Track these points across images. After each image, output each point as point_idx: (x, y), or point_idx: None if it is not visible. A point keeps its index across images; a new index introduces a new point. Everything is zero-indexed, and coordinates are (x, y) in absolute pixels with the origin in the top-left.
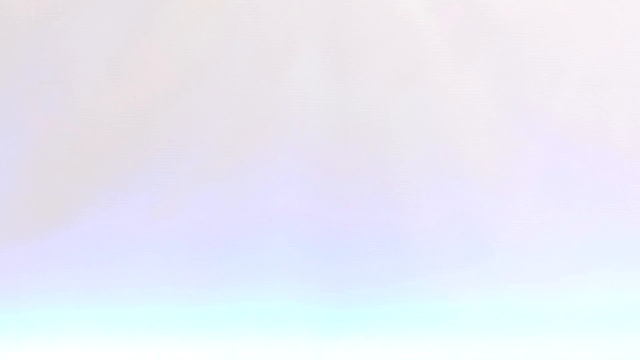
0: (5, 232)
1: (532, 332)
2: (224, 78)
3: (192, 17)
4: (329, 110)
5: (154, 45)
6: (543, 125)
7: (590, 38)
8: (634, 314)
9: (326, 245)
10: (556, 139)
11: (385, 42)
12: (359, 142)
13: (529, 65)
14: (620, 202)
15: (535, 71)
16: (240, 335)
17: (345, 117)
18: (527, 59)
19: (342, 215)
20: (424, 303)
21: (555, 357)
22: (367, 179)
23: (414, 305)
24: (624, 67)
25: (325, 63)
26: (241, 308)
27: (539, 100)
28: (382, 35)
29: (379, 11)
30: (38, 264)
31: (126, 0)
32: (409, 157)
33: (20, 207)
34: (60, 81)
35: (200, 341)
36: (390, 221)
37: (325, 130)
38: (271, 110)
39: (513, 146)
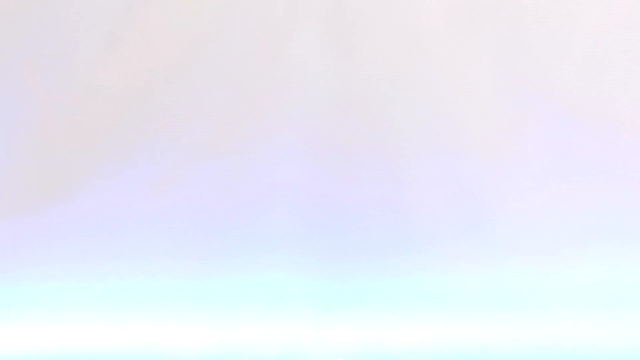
0: (6, 205)
1: (530, 306)
2: (224, 52)
3: None
4: (330, 86)
5: (154, 19)
6: (544, 102)
7: (591, 14)
8: (633, 289)
9: (326, 219)
10: (557, 115)
11: (386, 17)
12: (359, 117)
13: (530, 42)
14: (620, 178)
15: (536, 47)
16: (241, 308)
17: (346, 93)
18: (529, 35)
19: (342, 189)
20: (423, 277)
21: (554, 331)
22: (368, 154)
23: (413, 278)
24: (625, 44)
25: (326, 38)
26: (241, 281)
27: (540, 77)
28: (383, 11)
29: None
30: (39, 237)
31: None
32: (410, 133)
33: (21, 181)
34: (60, 54)
35: (201, 313)
36: (390, 196)
37: (325, 105)
38: (272, 84)
39: (514, 122)
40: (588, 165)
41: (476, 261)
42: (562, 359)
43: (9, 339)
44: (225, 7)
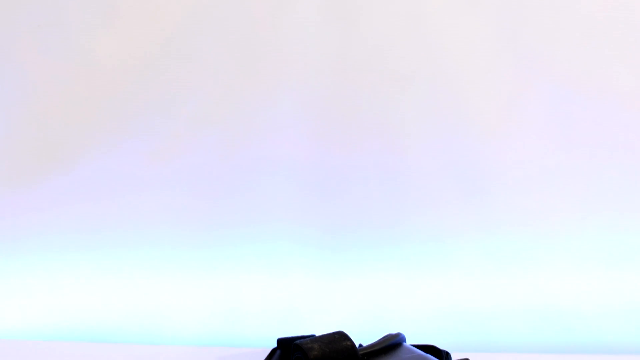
0: (4, 176)
1: (529, 274)
2: (224, 22)
3: None
4: (329, 55)
5: None
6: (544, 71)
7: None
8: (631, 257)
9: (326, 188)
10: (557, 85)
11: None
12: (359, 86)
13: (530, 11)
14: (620, 147)
15: (537, 16)
16: (240, 278)
17: (345, 62)
18: (529, 4)
19: (341, 158)
20: (422, 245)
21: (552, 299)
22: (367, 123)
23: (412, 248)
24: (626, 12)
25: (325, 8)
26: (241, 251)
27: (540, 46)
28: None
29: None
30: (38, 208)
31: None
32: (409, 102)
33: (20, 152)
34: (58, 24)
35: (200, 284)
36: (390, 165)
37: (325, 75)
38: (271, 54)
39: (514, 91)
40: (588, 135)
41: (476, 230)
42: (561, 325)
43: (7, 310)
44: None
